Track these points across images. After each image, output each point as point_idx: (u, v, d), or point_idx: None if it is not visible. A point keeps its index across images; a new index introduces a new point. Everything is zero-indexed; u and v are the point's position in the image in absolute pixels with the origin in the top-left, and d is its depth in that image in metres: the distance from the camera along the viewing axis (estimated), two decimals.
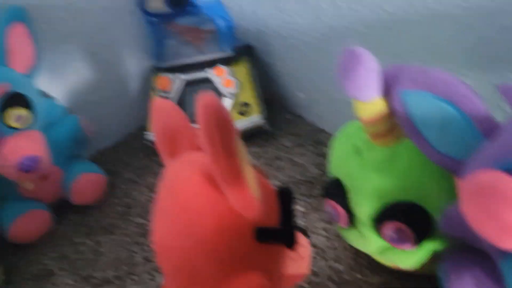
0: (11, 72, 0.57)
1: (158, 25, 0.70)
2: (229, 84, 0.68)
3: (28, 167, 0.54)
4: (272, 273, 0.32)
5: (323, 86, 0.65)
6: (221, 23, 0.67)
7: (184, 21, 0.69)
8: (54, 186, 0.64)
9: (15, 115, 0.54)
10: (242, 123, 0.67)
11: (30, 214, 0.61)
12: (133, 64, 0.76)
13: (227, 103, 0.68)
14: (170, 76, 0.70)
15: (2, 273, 0.57)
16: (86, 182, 0.64)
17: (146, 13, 0.67)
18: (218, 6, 0.69)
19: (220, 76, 0.69)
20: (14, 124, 0.54)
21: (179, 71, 0.71)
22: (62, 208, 0.65)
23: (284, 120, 0.74)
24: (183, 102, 0.69)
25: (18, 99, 0.55)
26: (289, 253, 0.34)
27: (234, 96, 0.68)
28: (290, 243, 0.32)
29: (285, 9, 0.62)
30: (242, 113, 0.68)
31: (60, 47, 0.67)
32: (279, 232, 0.32)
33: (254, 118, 0.67)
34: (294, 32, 0.64)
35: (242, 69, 0.70)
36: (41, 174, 0.59)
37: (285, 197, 0.32)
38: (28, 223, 0.60)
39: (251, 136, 0.69)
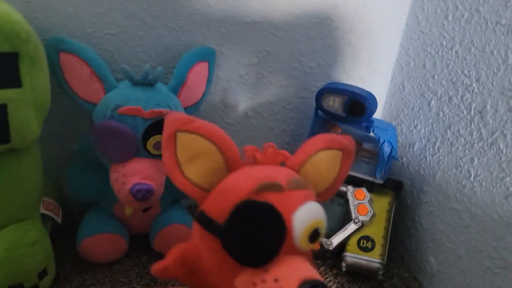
0: (176, 102, 0.58)
1: (322, 122, 0.69)
2: (364, 211, 0.64)
3: (142, 196, 0.53)
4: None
5: (468, 275, 0.58)
6: (386, 150, 0.64)
7: (348, 130, 0.68)
8: (146, 221, 0.63)
9: (156, 141, 0.55)
10: (358, 258, 0.62)
11: (111, 237, 0.59)
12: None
13: (352, 228, 0.63)
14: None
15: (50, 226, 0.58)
16: (172, 233, 0.62)
17: (320, 108, 0.67)
18: (392, 133, 0.66)
19: (358, 199, 0.65)
20: (152, 150, 0.55)
21: None
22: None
23: (401, 278, 0.67)
24: None
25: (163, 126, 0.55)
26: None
27: (363, 226, 0.64)
28: (230, 247, 0.32)
29: (469, 170, 0.57)
30: (362, 248, 0.62)
31: None
32: (216, 227, 0.33)
33: (372, 260, 0.61)
34: (464, 195, 0.58)
35: (384, 203, 0.66)
36: (147, 206, 0.59)
37: (241, 210, 0.32)
38: (104, 244, 0.59)
39: (357, 274, 0.64)
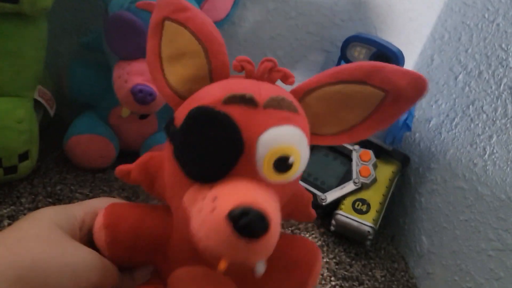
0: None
1: None
2: (366, 173, 0.61)
3: (142, 98, 0.50)
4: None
5: (459, 256, 0.55)
6: (402, 116, 0.61)
7: None
8: (139, 136, 0.60)
9: None
10: (350, 219, 0.59)
11: (100, 140, 0.57)
12: None
13: (350, 188, 0.61)
14: None
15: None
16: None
17: (344, 58, 0.64)
18: None
19: (363, 161, 0.62)
20: None
21: None
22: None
23: (388, 253, 0.65)
24: None
25: None
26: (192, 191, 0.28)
27: (361, 187, 0.61)
28: (179, 157, 0.28)
29: (484, 148, 0.55)
30: (356, 209, 0.60)
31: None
32: (172, 132, 0.29)
33: (364, 223, 0.59)
34: (473, 174, 0.56)
35: (388, 171, 0.63)
36: (145, 112, 0.56)
37: (193, 116, 0.28)
38: (92, 145, 0.57)
39: (343, 236, 0.62)
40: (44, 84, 0.56)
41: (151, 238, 0.32)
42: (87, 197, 0.54)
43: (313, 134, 0.31)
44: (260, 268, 0.26)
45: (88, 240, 0.33)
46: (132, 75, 0.51)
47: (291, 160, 0.28)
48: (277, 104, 0.28)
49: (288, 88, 0.31)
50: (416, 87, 0.29)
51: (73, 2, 0.60)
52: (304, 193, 0.35)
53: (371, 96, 0.29)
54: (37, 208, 0.49)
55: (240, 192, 0.26)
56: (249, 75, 0.31)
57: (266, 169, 0.27)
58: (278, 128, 0.27)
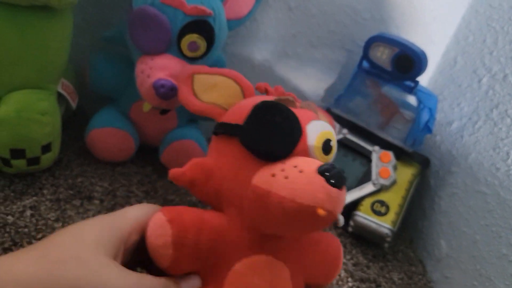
0: (220, 8, 0.55)
1: (363, 75, 0.66)
2: (385, 174, 0.61)
3: (164, 93, 0.50)
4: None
5: (479, 261, 0.55)
6: (424, 118, 0.61)
7: (389, 90, 0.65)
8: (159, 131, 0.61)
9: (191, 40, 0.53)
10: (368, 220, 0.59)
11: (120, 133, 0.58)
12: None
13: (369, 189, 0.61)
14: (334, 123, 0.66)
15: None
16: (183, 148, 0.60)
17: (366, 58, 0.64)
18: (433, 101, 0.64)
19: (383, 162, 0.62)
20: (186, 50, 0.53)
21: (348, 127, 0.66)
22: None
23: (406, 256, 0.65)
24: None
25: (203, 28, 0.53)
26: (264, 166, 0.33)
27: (381, 189, 0.61)
28: (249, 142, 0.34)
29: (508, 152, 0.55)
30: (375, 211, 0.60)
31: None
32: (234, 126, 0.35)
33: (383, 225, 0.59)
34: (496, 178, 0.55)
35: (407, 173, 0.63)
36: (166, 107, 0.55)
37: (260, 108, 0.34)
38: (113, 139, 0.57)
39: (361, 237, 0.62)
40: (67, 77, 0.57)
41: (212, 232, 0.33)
42: (106, 190, 0.55)
43: None
44: (341, 219, 0.31)
45: (131, 253, 0.32)
46: (155, 70, 0.51)
47: (332, 143, 0.36)
48: (308, 106, 0.38)
49: None
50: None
51: None
52: None
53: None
54: (58, 200, 0.50)
55: (311, 160, 0.32)
56: (271, 95, 0.39)
57: (317, 151, 0.34)
58: (316, 121, 0.36)
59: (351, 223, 0.61)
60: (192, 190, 0.36)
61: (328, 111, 0.68)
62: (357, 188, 0.62)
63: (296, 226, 0.31)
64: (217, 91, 0.39)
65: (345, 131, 0.66)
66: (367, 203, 0.61)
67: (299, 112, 0.35)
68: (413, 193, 0.65)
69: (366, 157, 0.64)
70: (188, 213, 0.33)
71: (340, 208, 0.31)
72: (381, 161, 0.62)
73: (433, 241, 0.65)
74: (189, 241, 0.31)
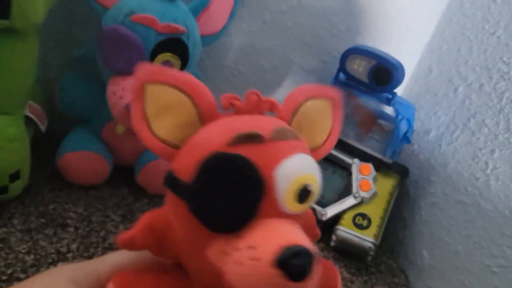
0: (194, 24, 0.54)
1: (341, 88, 0.66)
2: (366, 187, 0.61)
3: None
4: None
5: (462, 272, 0.55)
6: (402, 129, 0.61)
7: (366, 102, 0.65)
8: (134, 152, 0.59)
9: (165, 59, 0.51)
10: (351, 234, 0.59)
11: (94, 156, 0.56)
12: None
13: (350, 202, 0.61)
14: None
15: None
16: (160, 168, 0.58)
17: (342, 70, 0.64)
18: (411, 112, 0.64)
19: (363, 174, 0.62)
20: None
21: None
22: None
23: (388, 267, 0.64)
24: None
25: (176, 46, 0.51)
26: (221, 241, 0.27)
27: (362, 202, 0.61)
28: (197, 210, 0.27)
29: (486, 162, 0.55)
30: (356, 225, 0.60)
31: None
32: (182, 186, 0.28)
33: (366, 239, 0.59)
34: (476, 188, 0.55)
35: (388, 185, 0.63)
36: None
37: (208, 165, 0.27)
38: (86, 162, 0.55)
39: (345, 252, 0.61)
40: (34, 98, 0.55)
41: None
42: (81, 216, 0.52)
43: None
44: None
45: None
46: (127, 91, 0.50)
47: (311, 188, 0.28)
48: (282, 135, 0.28)
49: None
50: (338, 93, 0.35)
51: (66, 14, 0.59)
52: (310, 213, 0.35)
53: (327, 106, 0.34)
54: (29, 229, 0.48)
55: (274, 233, 0.26)
56: (239, 111, 0.31)
57: (288, 202, 0.27)
58: (291, 158, 0.27)
59: (334, 237, 0.60)
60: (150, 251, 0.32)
61: None
62: (338, 202, 0.61)
63: None
64: (169, 120, 0.30)
65: None
66: (348, 217, 0.61)
67: (266, 151, 0.28)
68: (393, 203, 0.64)
69: (346, 169, 0.64)
70: (141, 285, 0.30)
71: None
72: (361, 174, 0.62)
73: (415, 251, 0.64)
74: None
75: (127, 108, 0.49)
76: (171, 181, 0.28)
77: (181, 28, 0.51)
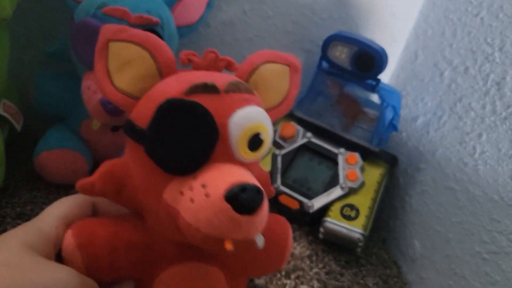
0: (169, 15, 0.53)
1: (323, 76, 0.65)
2: (353, 177, 0.60)
3: (112, 109, 0.47)
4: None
5: (453, 260, 0.54)
6: (388, 116, 0.60)
7: (351, 90, 0.64)
8: (113, 149, 0.57)
9: None
10: (339, 226, 0.58)
11: (72, 154, 0.54)
12: None
13: (337, 193, 0.59)
14: (298, 128, 0.64)
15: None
16: None
17: (325, 58, 0.63)
18: (396, 98, 0.63)
19: (349, 164, 0.61)
20: None
21: (311, 130, 0.64)
22: None
23: (379, 258, 0.63)
24: (290, 162, 0.62)
25: None
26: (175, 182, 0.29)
27: (349, 192, 0.60)
28: (153, 153, 0.29)
29: (474, 147, 0.53)
30: (344, 216, 0.58)
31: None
32: (139, 131, 0.29)
33: (354, 230, 0.57)
34: (464, 174, 0.54)
35: (375, 174, 0.62)
36: (116, 124, 0.52)
37: (164, 110, 0.29)
38: (64, 161, 0.54)
39: (334, 244, 0.60)
40: (8, 97, 0.53)
41: (129, 249, 0.31)
42: None
43: None
44: (260, 240, 0.28)
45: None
46: None
47: (262, 136, 0.31)
48: (236, 88, 0.31)
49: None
50: (297, 60, 0.37)
51: (37, 9, 0.57)
52: (262, 170, 0.37)
53: (285, 71, 0.36)
54: (5, 231, 0.47)
55: (226, 173, 0.28)
56: (197, 67, 0.33)
57: (241, 149, 0.30)
58: (244, 109, 0.30)
59: (321, 230, 0.59)
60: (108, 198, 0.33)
61: (291, 115, 0.66)
62: (325, 194, 0.60)
63: (208, 248, 0.29)
64: (130, 72, 0.31)
65: (309, 134, 0.64)
66: (336, 208, 0.59)
67: (221, 101, 0.30)
68: (383, 192, 0.63)
69: (332, 160, 0.62)
70: (101, 232, 0.31)
71: (255, 232, 0.27)
72: (348, 164, 0.61)
73: (407, 241, 0.63)
74: (103, 263, 0.30)
75: (102, 102, 0.47)
76: (129, 127, 0.30)
77: (155, 19, 0.49)
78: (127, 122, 0.31)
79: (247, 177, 0.28)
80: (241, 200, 0.26)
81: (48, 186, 0.55)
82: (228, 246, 0.26)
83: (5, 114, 0.52)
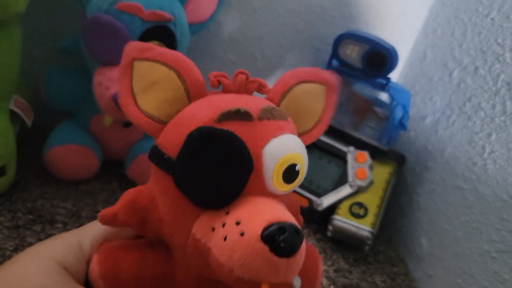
0: (181, 12, 0.53)
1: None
2: (362, 175, 0.60)
3: None
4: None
5: (461, 258, 0.54)
6: (398, 115, 0.61)
7: (361, 89, 0.64)
8: (124, 145, 0.58)
9: None
10: (347, 224, 0.58)
11: (82, 150, 0.54)
12: None
13: (346, 191, 0.60)
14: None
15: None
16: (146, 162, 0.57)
17: (335, 56, 0.63)
18: (406, 97, 0.63)
19: (358, 162, 0.61)
20: None
21: None
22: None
23: (387, 256, 0.64)
24: None
25: (163, 34, 0.50)
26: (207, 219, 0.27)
27: (358, 191, 0.60)
28: (183, 185, 0.27)
29: (483, 146, 0.54)
30: (353, 214, 0.59)
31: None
32: (168, 161, 0.27)
33: (363, 228, 0.58)
34: (473, 173, 0.55)
35: (384, 172, 0.62)
36: (126, 119, 0.52)
37: (195, 139, 0.26)
38: (74, 156, 0.54)
39: (342, 242, 0.60)
40: (20, 92, 0.54)
41: (153, 281, 0.30)
42: (70, 211, 0.51)
43: None
44: (297, 283, 0.26)
45: None
46: (114, 81, 0.48)
47: (298, 168, 0.28)
48: (270, 114, 0.28)
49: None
50: (335, 78, 0.34)
51: (49, 5, 0.58)
52: (295, 199, 0.35)
53: (321, 90, 0.33)
54: (17, 226, 0.47)
55: (261, 210, 0.26)
56: (227, 89, 0.31)
57: (276, 181, 0.27)
58: (278, 138, 0.28)
59: (330, 227, 0.59)
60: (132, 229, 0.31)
61: None
62: (334, 192, 0.60)
63: None
64: (156, 94, 0.29)
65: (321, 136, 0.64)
66: (345, 206, 0.60)
67: (254, 129, 0.27)
68: (391, 191, 0.64)
69: (341, 158, 0.63)
70: (126, 263, 0.29)
71: (293, 275, 0.25)
72: (357, 162, 0.61)
73: (414, 240, 0.64)
74: None
75: (114, 98, 0.48)
76: (156, 155, 0.28)
77: (168, 15, 0.50)
78: (153, 148, 0.29)
79: (284, 215, 0.26)
80: (280, 242, 0.23)
81: (58, 182, 0.56)
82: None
83: (17, 110, 0.52)
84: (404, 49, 0.73)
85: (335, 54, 0.62)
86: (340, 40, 0.61)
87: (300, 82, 0.33)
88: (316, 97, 0.34)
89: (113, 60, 0.49)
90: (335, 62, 0.64)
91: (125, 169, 0.58)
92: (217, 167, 0.26)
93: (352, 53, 0.60)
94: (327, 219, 0.60)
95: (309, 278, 0.34)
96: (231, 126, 0.27)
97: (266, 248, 0.23)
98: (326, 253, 0.59)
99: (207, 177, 0.26)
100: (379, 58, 0.58)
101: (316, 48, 0.69)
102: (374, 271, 0.59)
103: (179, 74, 0.29)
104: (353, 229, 0.58)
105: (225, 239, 0.25)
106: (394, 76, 0.74)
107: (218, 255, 0.25)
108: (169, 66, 0.29)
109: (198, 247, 0.26)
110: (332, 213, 0.60)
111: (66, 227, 0.49)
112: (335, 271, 0.56)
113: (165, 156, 0.27)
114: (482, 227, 0.52)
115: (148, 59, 0.29)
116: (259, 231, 0.24)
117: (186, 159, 0.26)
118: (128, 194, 0.30)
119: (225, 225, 0.25)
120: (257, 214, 0.25)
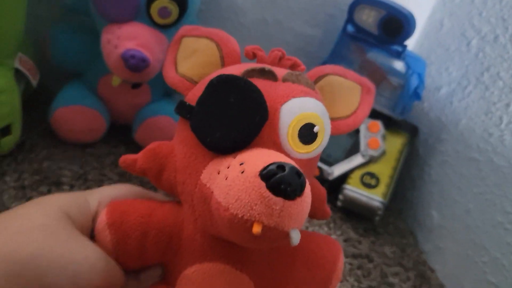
0: None
1: (348, 40, 0.63)
2: (375, 145, 0.59)
3: (135, 64, 0.46)
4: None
5: (472, 230, 0.54)
6: (413, 84, 0.59)
7: (375, 56, 0.62)
8: (131, 108, 0.57)
9: (162, 6, 0.49)
10: (358, 193, 0.57)
11: (89, 111, 0.53)
12: None
13: (358, 161, 0.59)
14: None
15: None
16: (158, 125, 0.56)
17: (351, 21, 0.61)
18: (421, 66, 0.61)
19: (371, 132, 0.60)
20: (157, 18, 0.49)
21: None
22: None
23: (396, 228, 0.63)
24: None
25: None
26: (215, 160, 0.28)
27: (370, 160, 0.59)
28: (198, 128, 0.28)
29: (501, 117, 0.53)
30: (364, 184, 0.58)
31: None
32: (188, 107, 0.29)
33: (374, 198, 0.57)
34: (489, 144, 0.54)
35: (397, 143, 0.61)
36: (137, 81, 0.51)
37: (214, 85, 0.28)
38: (81, 118, 0.53)
39: (352, 213, 0.60)
40: (25, 51, 0.52)
41: (160, 234, 0.30)
42: (76, 174, 0.51)
43: None
44: (295, 236, 0.24)
45: None
46: (123, 39, 0.47)
47: (316, 129, 0.28)
48: (295, 78, 0.30)
49: None
50: (372, 84, 0.36)
51: None
52: (320, 188, 0.35)
53: (356, 89, 0.35)
54: (23, 187, 0.46)
55: (268, 154, 0.25)
56: (261, 61, 0.33)
57: (290, 138, 0.27)
58: (300, 98, 0.28)
59: (340, 197, 0.59)
60: (147, 176, 0.32)
61: None
62: (346, 161, 0.60)
63: (235, 238, 0.25)
64: (194, 59, 0.33)
65: None
66: (356, 175, 0.59)
67: (277, 88, 0.28)
68: (403, 162, 0.63)
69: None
70: (134, 214, 0.29)
71: (289, 222, 0.23)
72: (370, 131, 0.60)
73: (424, 212, 0.63)
74: (131, 245, 0.29)
75: (123, 57, 0.46)
76: (181, 106, 0.30)
77: None
78: (180, 101, 0.30)
79: (290, 161, 0.24)
80: (278, 181, 0.22)
81: (65, 144, 0.55)
82: (256, 229, 0.22)
83: (21, 68, 0.51)
84: (420, 18, 0.71)
85: (350, 19, 0.61)
86: (356, 5, 0.59)
87: (338, 75, 0.34)
88: (352, 92, 0.35)
89: (122, 17, 0.48)
90: (350, 28, 0.62)
91: (133, 132, 0.57)
92: (231, 111, 0.27)
93: (368, 18, 0.59)
94: (338, 189, 0.60)
95: (325, 269, 0.32)
96: (255, 82, 0.28)
97: (262, 184, 0.23)
98: (336, 223, 0.59)
99: (220, 120, 0.27)
100: (396, 24, 0.57)
101: (329, 14, 0.67)
102: (384, 242, 0.59)
103: (217, 44, 0.32)
104: (364, 199, 0.57)
105: (225, 178, 0.24)
106: (410, 45, 0.72)
107: (217, 194, 0.24)
108: (211, 39, 0.33)
109: (203, 192, 0.27)
110: (343, 183, 0.59)
111: (72, 189, 0.49)
112: (345, 240, 0.56)
113: (187, 104, 0.29)
114: (496, 199, 0.52)
115: (194, 35, 0.34)
116: (259, 168, 0.23)
117: (203, 102, 0.28)
118: (152, 144, 0.31)
119: (230, 167, 0.25)
120: (262, 157, 0.25)
